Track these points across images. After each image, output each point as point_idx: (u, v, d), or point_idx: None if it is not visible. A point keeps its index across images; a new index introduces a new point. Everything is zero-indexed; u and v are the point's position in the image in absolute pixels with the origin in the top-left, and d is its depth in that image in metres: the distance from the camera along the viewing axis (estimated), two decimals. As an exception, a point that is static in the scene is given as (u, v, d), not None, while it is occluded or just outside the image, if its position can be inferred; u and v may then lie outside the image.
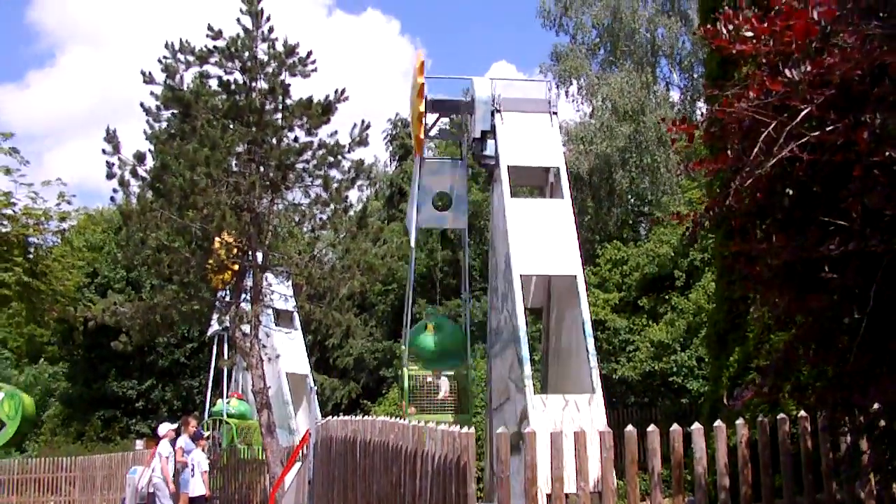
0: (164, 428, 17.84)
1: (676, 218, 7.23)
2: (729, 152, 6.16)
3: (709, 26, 6.11)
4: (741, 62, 7.03)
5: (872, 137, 4.85)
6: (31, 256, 23.41)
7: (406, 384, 20.12)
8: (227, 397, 28.79)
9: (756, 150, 5.49)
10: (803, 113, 5.27)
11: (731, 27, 5.85)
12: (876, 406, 6.05)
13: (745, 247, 6.42)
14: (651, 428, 8.66)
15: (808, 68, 5.21)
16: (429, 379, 20.41)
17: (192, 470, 17.11)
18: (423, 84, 19.21)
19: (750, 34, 5.67)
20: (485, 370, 21.52)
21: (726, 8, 6.10)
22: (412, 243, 21.68)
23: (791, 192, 5.81)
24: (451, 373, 20.60)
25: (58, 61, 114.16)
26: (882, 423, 6.28)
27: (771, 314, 6.95)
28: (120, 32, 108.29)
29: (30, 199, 22.87)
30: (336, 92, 21.12)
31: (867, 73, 5.15)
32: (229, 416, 27.64)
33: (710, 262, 25.41)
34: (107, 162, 20.15)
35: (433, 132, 21.07)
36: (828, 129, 5.20)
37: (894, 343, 5.57)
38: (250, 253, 21.19)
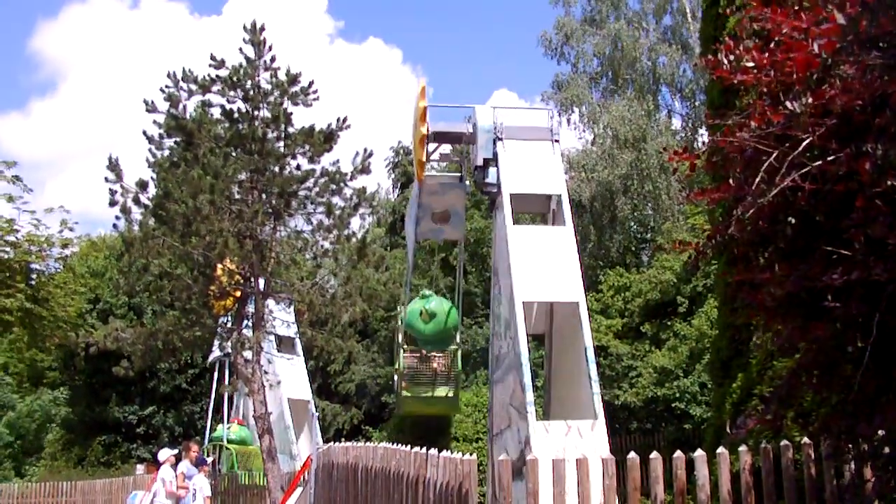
0: (165, 454, 17.80)
1: (678, 246, 7.25)
2: (731, 181, 6.19)
3: (710, 56, 6.16)
4: (742, 91, 7.08)
5: (874, 168, 4.88)
6: (33, 283, 23.47)
7: (401, 357, 21.93)
8: (227, 423, 28.73)
9: (758, 179, 5.52)
10: (805, 143, 5.31)
11: (731, 57, 5.90)
12: (880, 433, 6.05)
13: (747, 275, 6.44)
14: (654, 455, 8.64)
15: (810, 100, 5.25)
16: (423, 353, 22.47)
17: (194, 494, 17.05)
18: (424, 108, 19.27)
19: (751, 64, 5.71)
20: (488, 396, 21.47)
21: (727, 39, 6.15)
22: (410, 259, 22.35)
23: (793, 222, 5.83)
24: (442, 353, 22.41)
25: (59, 90, 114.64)
26: (886, 450, 6.27)
27: (774, 341, 6.95)
28: (121, 62, 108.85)
29: (32, 226, 22.97)
30: (338, 120, 21.23)
31: (868, 104, 5.18)
32: (230, 441, 27.57)
33: (712, 287, 25.40)
34: (109, 189, 20.25)
35: (435, 157, 21.13)
36: (829, 158, 5.23)
37: (897, 371, 5.59)
38: (252, 279, 21.22)
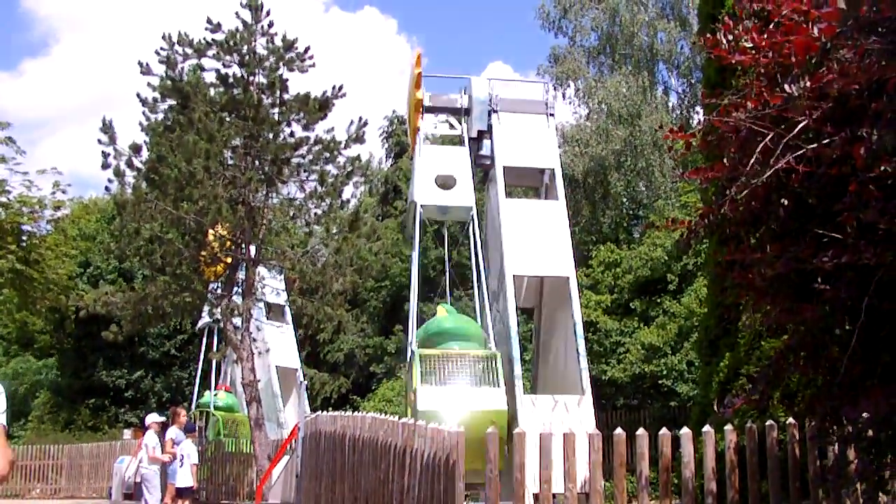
0: (150, 418, 17.81)
1: (670, 224, 7.26)
2: (725, 161, 6.19)
3: (708, 35, 6.15)
4: (740, 71, 7.07)
5: (868, 153, 4.88)
6: (24, 244, 23.40)
7: (417, 367, 16.11)
8: (214, 389, 28.77)
9: (752, 160, 5.52)
10: (800, 125, 5.31)
11: (730, 37, 5.88)
12: (864, 416, 6.09)
13: (738, 255, 6.46)
14: (640, 431, 8.69)
15: (807, 84, 5.25)
16: (453, 352, 16.67)
17: (182, 461, 17.09)
18: (419, 74, 19.22)
19: (749, 45, 5.70)
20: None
21: (726, 18, 6.13)
22: (417, 222, 19.35)
23: (786, 203, 5.84)
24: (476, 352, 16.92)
25: (52, 50, 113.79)
26: (870, 432, 6.32)
27: (762, 322, 6.99)
28: (114, 22, 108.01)
29: (24, 188, 22.89)
30: (333, 88, 21.18)
31: (865, 88, 5.18)
32: (216, 408, 27.63)
33: (703, 266, 25.47)
34: (102, 152, 20.19)
35: (431, 130, 21.01)
36: (824, 142, 5.23)
37: (885, 356, 5.61)
38: (244, 246, 21.21)
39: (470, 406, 14.81)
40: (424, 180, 19.03)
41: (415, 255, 19.50)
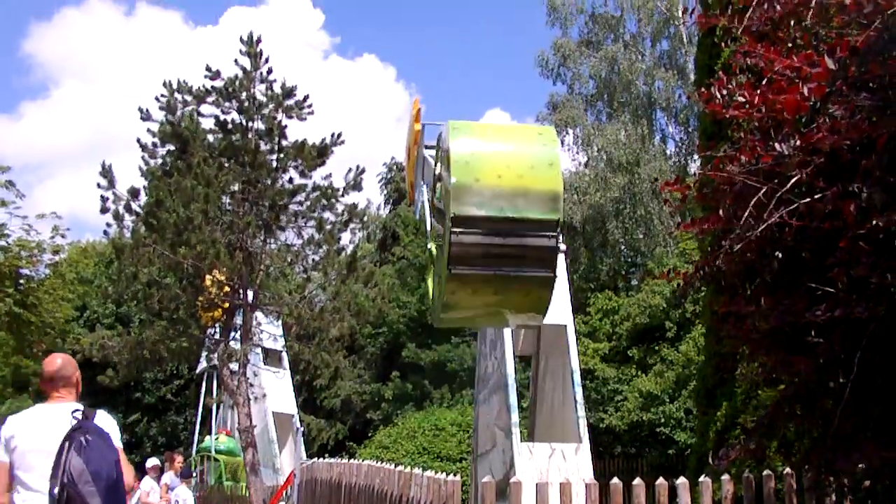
0: (150, 462, 17.70)
1: (666, 276, 7.31)
2: (721, 213, 6.25)
3: (703, 90, 6.23)
4: (735, 123, 7.16)
5: (858, 209, 4.95)
6: (21, 288, 23.38)
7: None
8: (215, 434, 28.67)
9: (746, 213, 5.59)
10: (793, 180, 5.37)
11: (724, 92, 5.97)
12: (860, 467, 6.09)
13: (733, 307, 6.49)
14: (637, 481, 8.67)
15: (798, 142, 5.32)
16: None
17: None
18: (419, 131, 19.30)
19: (742, 100, 5.78)
20: (473, 416, 21.45)
21: (720, 73, 6.23)
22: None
23: (780, 256, 5.89)
24: None
25: (51, 94, 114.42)
26: (866, 483, 6.32)
27: (759, 373, 7.02)
28: (114, 69, 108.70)
29: (23, 231, 22.90)
30: (332, 135, 21.36)
31: (856, 144, 5.26)
32: (218, 452, 27.52)
33: (701, 314, 25.47)
34: (101, 196, 20.27)
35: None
36: (816, 196, 5.30)
37: (877, 409, 5.63)
38: (241, 291, 21.23)
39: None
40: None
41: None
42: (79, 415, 5.46)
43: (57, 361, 5.83)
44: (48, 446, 5.31)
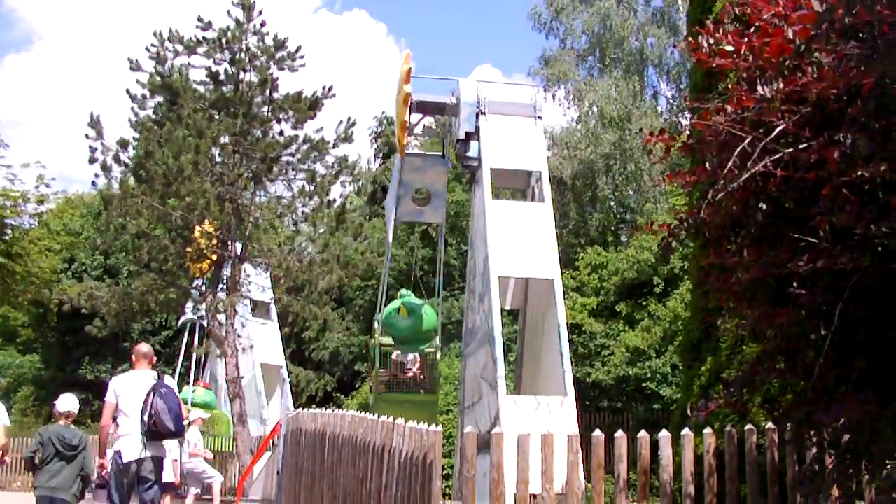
0: (195, 413, 17.58)
1: (649, 228, 7.28)
2: (706, 165, 6.20)
3: (691, 39, 6.16)
4: (723, 75, 7.08)
5: (843, 157, 4.89)
6: (6, 238, 23.26)
7: (377, 356, 21.28)
8: (192, 386, 28.65)
9: (730, 163, 5.53)
10: (778, 129, 5.32)
11: (711, 41, 5.89)
12: (841, 421, 6.09)
13: (718, 259, 6.47)
14: (619, 433, 8.70)
15: (781, 86, 5.26)
16: (397, 353, 21.56)
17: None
18: (409, 70, 19.14)
19: (729, 49, 5.72)
20: (461, 369, 21.56)
21: (708, 23, 6.15)
22: (389, 237, 22.00)
23: (764, 207, 5.84)
24: (416, 354, 21.54)
25: (34, 47, 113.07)
26: (846, 437, 6.32)
27: (741, 326, 7.00)
28: (100, 19, 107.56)
29: (7, 181, 22.77)
30: (324, 88, 21.27)
31: (843, 93, 5.20)
32: (194, 404, 27.53)
33: (689, 269, 25.52)
34: (89, 147, 20.18)
35: (417, 129, 21.05)
36: (801, 146, 5.24)
37: (859, 361, 5.62)
38: (230, 243, 21.19)
39: None
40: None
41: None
42: (156, 377, 9.93)
43: (144, 348, 10.45)
44: (139, 394, 9.62)
